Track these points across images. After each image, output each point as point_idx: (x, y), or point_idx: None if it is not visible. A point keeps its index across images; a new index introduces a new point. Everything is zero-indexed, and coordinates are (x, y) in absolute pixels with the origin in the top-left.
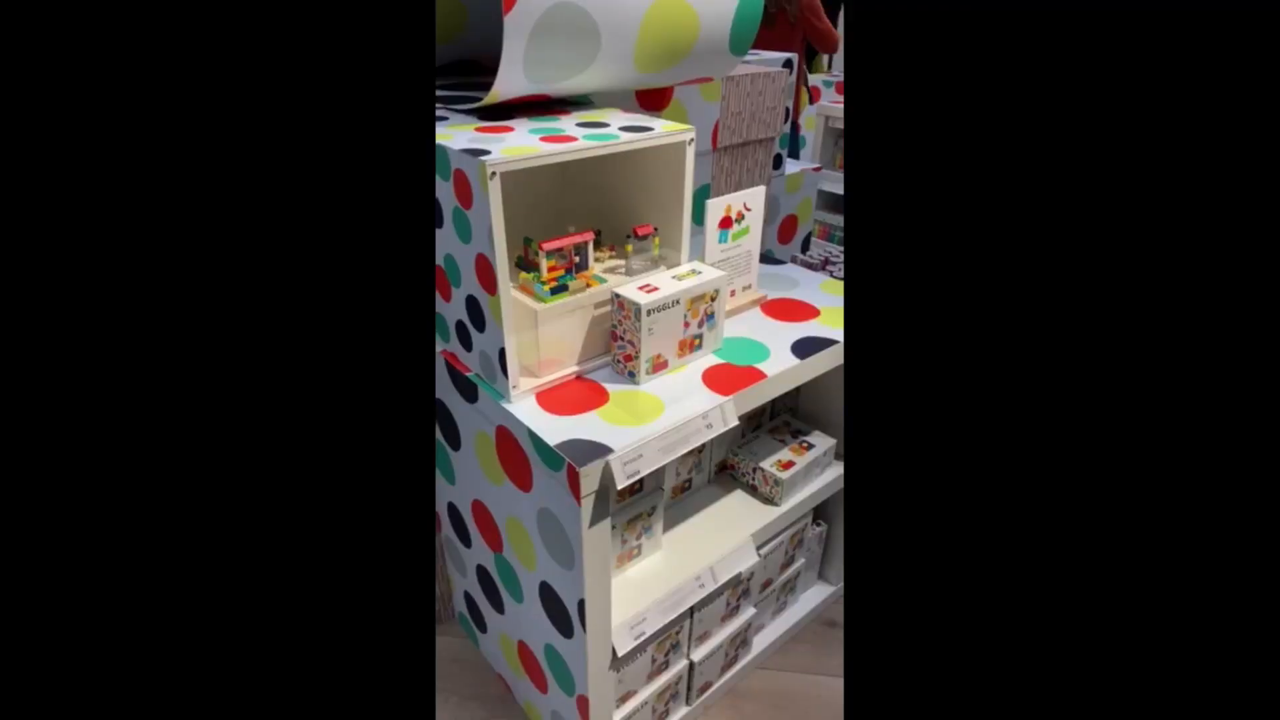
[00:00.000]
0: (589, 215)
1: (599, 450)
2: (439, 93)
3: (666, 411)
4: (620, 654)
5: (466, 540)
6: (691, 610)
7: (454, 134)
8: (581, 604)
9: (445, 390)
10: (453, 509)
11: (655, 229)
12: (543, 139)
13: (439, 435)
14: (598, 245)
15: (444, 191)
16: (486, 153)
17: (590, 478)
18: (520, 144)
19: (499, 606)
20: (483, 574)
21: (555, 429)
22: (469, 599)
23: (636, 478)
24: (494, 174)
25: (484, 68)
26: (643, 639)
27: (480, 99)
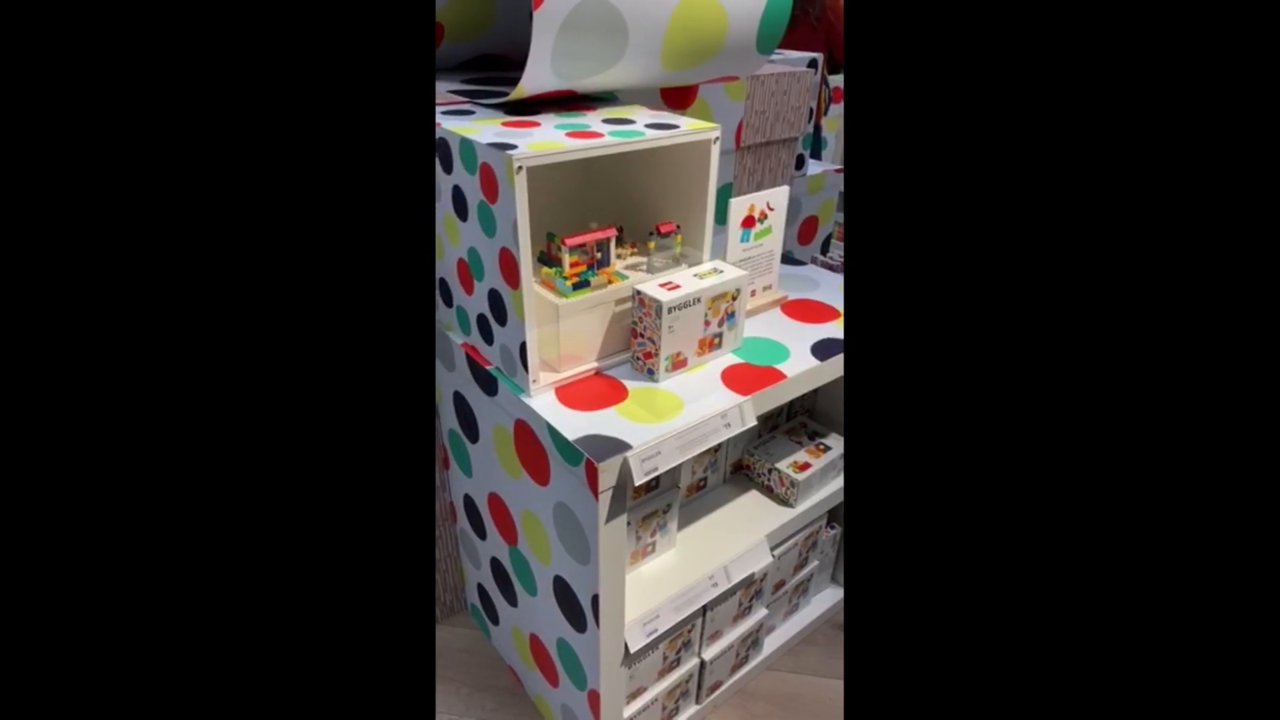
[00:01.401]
0: (611, 211)
1: (617, 446)
2: (466, 86)
3: (685, 410)
4: (632, 650)
5: (482, 533)
6: (704, 609)
7: (481, 128)
8: (595, 599)
9: (465, 383)
10: (469, 501)
11: (678, 227)
12: (569, 134)
13: (457, 427)
14: (619, 242)
15: (469, 185)
16: (513, 147)
17: (608, 473)
18: (547, 139)
19: (512, 599)
20: (496, 566)
21: (574, 424)
22: (482, 591)
23: (654, 475)
24: (520, 168)
25: (510, 62)
26: (655, 636)
27: (507, 94)
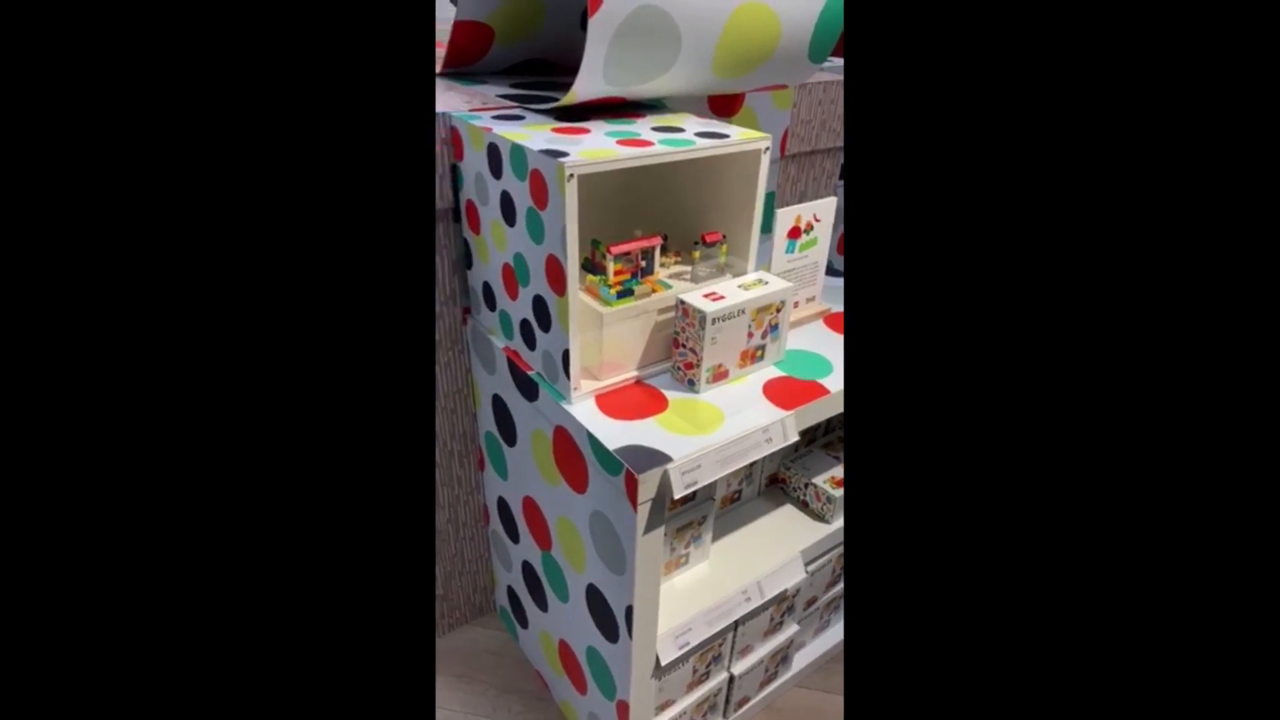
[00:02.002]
0: (655, 219)
1: (658, 458)
2: (514, 91)
3: (726, 423)
4: (664, 663)
5: (514, 536)
6: (735, 623)
7: (531, 134)
8: (629, 610)
9: (505, 387)
10: (503, 504)
11: (724, 236)
12: (619, 142)
13: (495, 430)
14: (662, 250)
15: (518, 191)
16: (564, 154)
17: (648, 485)
18: (597, 147)
19: (543, 604)
20: (528, 570)
21: (614, 433)
22: (511, 593)
23: (694, 488)
24: (572, 176)
25: (557, 66)
26: (687, 649)
27: (555, 99)
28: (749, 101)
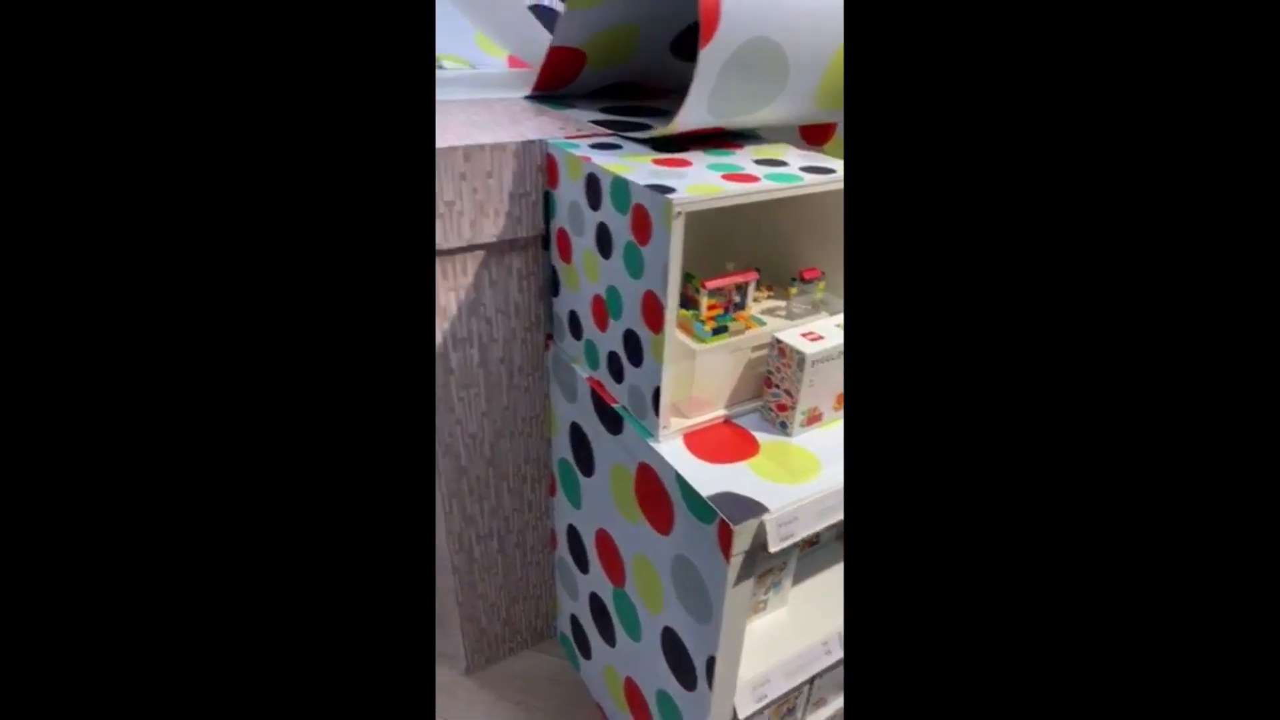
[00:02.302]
0: (747, 251)
1: (753, 508)
2: (606, 116)
3: (823, 471)
4: (741, 716)
5: (584, 566)
6: (812, 675)
7: (632, 165)
8: (711, 661)
9: (585, 416)
10: (573, 532)
11: (822, 273)
12: (724, 176)
13: (571, 458)
14: (755, 284)
15: (618, 224)
16: (671, 190)
17: (743, 536)
18: (703, 181)
19: (610, 639)
20: (596, 602)
21: (705, 477)
22: (575, 622)
23: (790, 542)
24: (680, 214)
25: (643, 90)
26: (765, 703)
27: (647, 125)
28: (840, 130)
